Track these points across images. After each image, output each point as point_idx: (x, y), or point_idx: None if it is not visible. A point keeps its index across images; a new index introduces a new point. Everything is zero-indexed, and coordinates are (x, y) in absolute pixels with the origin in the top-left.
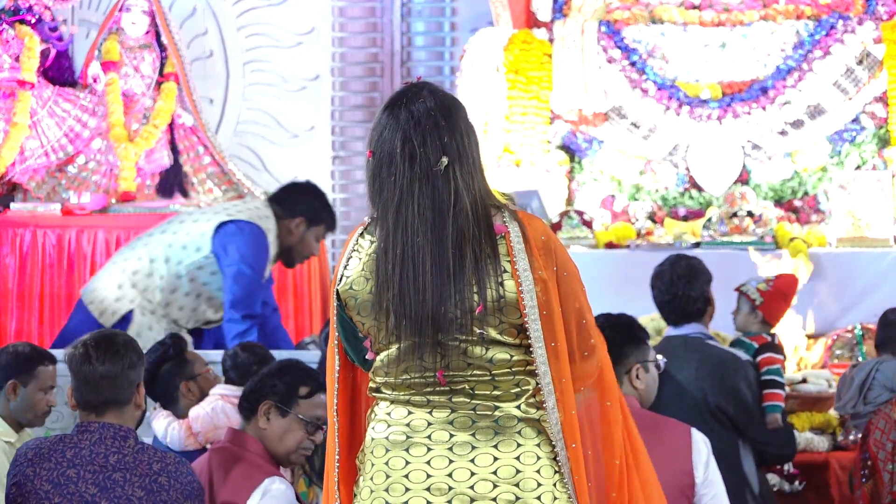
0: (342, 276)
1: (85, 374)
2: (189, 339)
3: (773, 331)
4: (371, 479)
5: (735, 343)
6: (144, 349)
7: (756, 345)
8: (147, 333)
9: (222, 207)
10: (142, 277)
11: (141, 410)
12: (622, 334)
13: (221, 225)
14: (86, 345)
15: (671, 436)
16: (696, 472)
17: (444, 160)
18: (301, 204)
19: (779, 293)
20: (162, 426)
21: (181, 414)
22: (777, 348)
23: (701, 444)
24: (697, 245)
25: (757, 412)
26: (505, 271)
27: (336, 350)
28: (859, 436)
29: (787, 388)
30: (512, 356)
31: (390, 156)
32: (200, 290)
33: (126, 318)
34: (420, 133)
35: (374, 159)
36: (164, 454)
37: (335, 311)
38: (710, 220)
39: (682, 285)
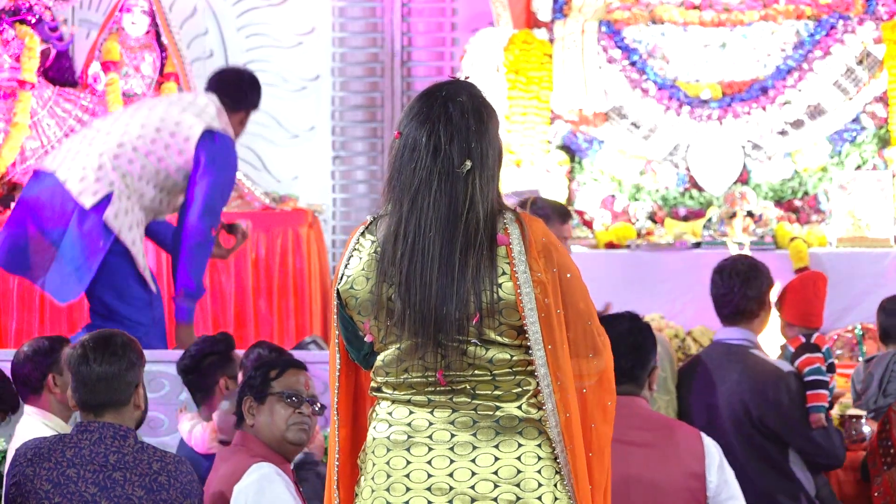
0: (343, 274)
1: (83, 374)
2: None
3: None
4: (372, 478)
5: (784, 349)
6: (123, 231)
7: (792, 348)
8: (124, 218)
9: (196, 109)
10: (123, 163)
11: (140, 411)
12: (650, 336)
13: (205, 134)
14: (84, 345)
15: (683, 439)
16: (709, 476)
17: (468, 164)
18: (246, 95)
19: (788, 292)
20: (186, 428)
21: (214, 408)
22: (812, 347)
23: (712, 447)
24: (698, 245)
25: (801, 424)
26: (503, 273)
27: (337, 349)
28: (863, 431)
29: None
30: (512, 356)
31: (415, 142)
32: (171, 189)
33: (105, 200)
34: (449, 131)
35: (400, 141)
36: (164, 453)
37: (336, 311)
38: (710, 220)
39: (738, 282)
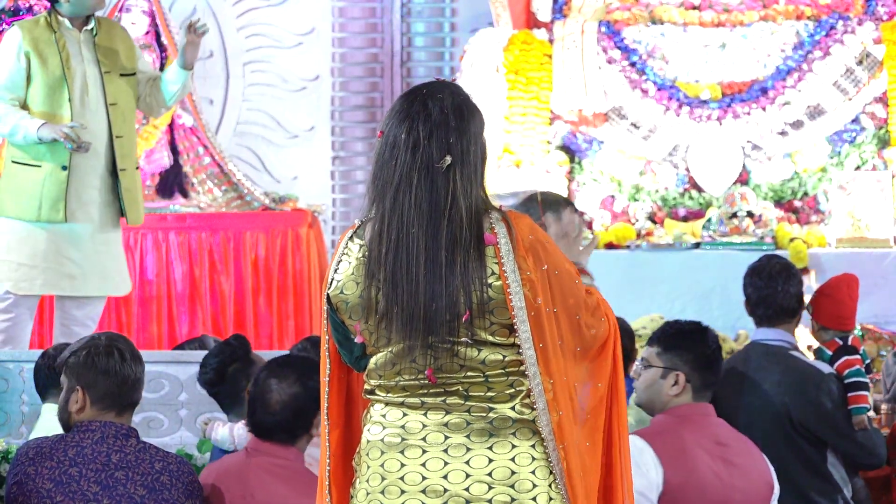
0: (332, 279)
1: (125, 375)
2: None
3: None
4: (367, 481)
5: (816, 352)
6: None
7: (829, 351)
8: None
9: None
10: None
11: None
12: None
13: None
14: (117, 348)
15: (755, 448)
16: (776, 484)
17: (448, 159)
18: None
19: (821, 295)
20: (226, 431)
21: (244, 414)
22: (850, 349)
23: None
24: (697, 246)
25: (842, 425)
26: (493, 273)
27: (328, 354)
28: None
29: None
30: (505, 356)
31: (395, 140)
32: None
33: None
34: (428, 127)
35: (382, 140)
36: (166, 453)
37: (326, 315)
38: (709, 220)
39: (780, 281)
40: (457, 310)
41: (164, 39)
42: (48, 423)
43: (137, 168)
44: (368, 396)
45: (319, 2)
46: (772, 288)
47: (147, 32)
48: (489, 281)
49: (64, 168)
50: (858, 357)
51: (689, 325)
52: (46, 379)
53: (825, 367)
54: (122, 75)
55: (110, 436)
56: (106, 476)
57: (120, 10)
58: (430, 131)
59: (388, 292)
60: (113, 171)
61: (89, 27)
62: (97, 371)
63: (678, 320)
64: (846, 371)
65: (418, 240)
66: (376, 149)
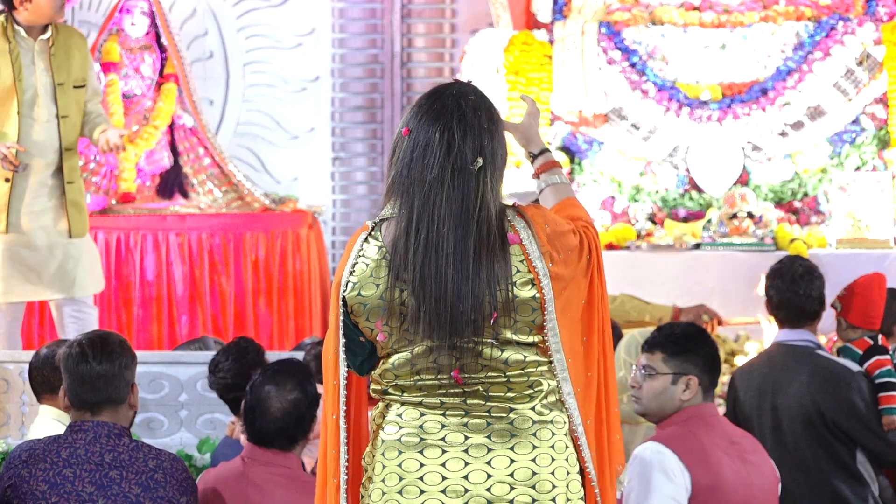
0: (347, 281)
1: (82, 373)
2: None
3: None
4: (382, 480)
5: (841, 351)
6: None
7: (859, 351)
8: None
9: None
10: None
11: (134, 410)
12: None
13: None
14: (81, 344)
15: (760, 446)
16: (779, 477)
17: (480, 161)
18: None
19: (851, 294)
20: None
21: None
22: (881, 349)
23: None
24: (697, 246)
25: (873, 423)
26: (518, 271)
27: (344, 356)
28: None
29: None
30: (525, 357)
31: (428, 139)
32: None
33: None
34: (462, 127)
35: (409, 139)
36: (159, 451)
37: (341, 318)
38: (710, 221)
39: (803, 284)
40: (482, 310)
41: (164, 40)
42: (43, 423)
43: (82, 178)
44: (381, 396)
45: (319, 3)
46: (794, 291)
47: (147, 33)
48: (514, 279)
49: (7, 181)
50: (888, 357)
51: (689, 327)
52: (36, 380)
53: (853, 366)
54: (74, 87)
55: (103, 435)
56: (100, 476)
57: (120, 11)
58: (464, 132)
59: (416, 292)
60: (62, 182)
61: (46, 36)
62: (65, 371)
63: (672, 324)
64: (877, 371)
65: (448, 240)
66: (401, 147)
